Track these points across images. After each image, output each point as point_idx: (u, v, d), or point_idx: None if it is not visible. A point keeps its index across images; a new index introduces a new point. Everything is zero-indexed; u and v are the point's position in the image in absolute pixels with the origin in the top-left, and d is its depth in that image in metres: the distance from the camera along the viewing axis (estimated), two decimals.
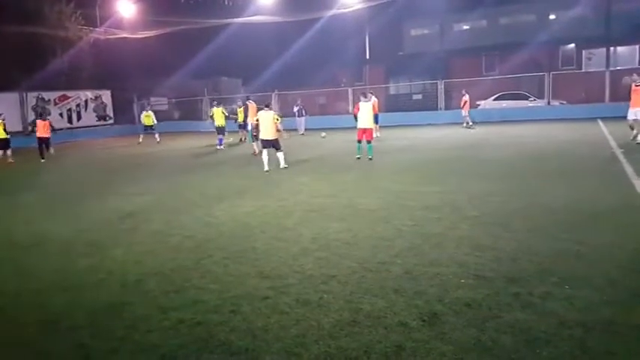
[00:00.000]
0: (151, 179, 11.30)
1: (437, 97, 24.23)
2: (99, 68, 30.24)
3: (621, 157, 10.05)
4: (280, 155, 11.30)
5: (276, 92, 28.24)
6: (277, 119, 11.11)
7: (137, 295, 4.32)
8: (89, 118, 29.23)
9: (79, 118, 28.27)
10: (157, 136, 21.40)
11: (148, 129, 21.37)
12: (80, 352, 3.39)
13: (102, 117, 29.78)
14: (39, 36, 26.76)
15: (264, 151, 11.26)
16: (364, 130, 11.68)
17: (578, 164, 9.80)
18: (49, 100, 27.17)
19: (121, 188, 10.17)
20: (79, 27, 28.95)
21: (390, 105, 28.64)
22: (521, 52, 25.73)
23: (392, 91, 31.97)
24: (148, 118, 21.48)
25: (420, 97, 28.64)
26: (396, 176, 9.61)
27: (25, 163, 16.48)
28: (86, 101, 28.83)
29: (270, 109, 11.50)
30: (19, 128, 25.47)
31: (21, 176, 13.71)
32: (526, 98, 23.77)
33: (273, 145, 11.16)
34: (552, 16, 30.20)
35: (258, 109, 12.46)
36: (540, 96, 23.20)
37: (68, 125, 27.91)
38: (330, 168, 11.23)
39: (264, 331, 3.48)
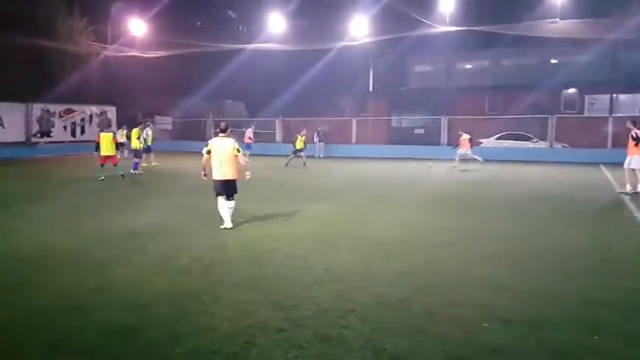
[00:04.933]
0: (152, 199, 11.14)
1: (440, 133, 24.45)
2: (106, 84, 30.35)
3: (629, 204, 10.03)
4: (230, 205, 7.64)
5: (280, 118, 28.40)
6: (238, 151, 7.63)
7: (149, 318, 4.15)
8: (92, 132, 29.15)
9: (82, 131, 28.21)
10: None
11: None
12: None
13: None
14: (49, 49, 26.96)
15: (220, 199, 7.72)
16: (107, 157, 14.22)
17: (587, 208, 9.77)
18: (54, 112, 27.12)
19: (123, 206, 10.01)
20: (90, 43, 29.25)
21: (393, 137, 28.91)
22: (524, 94, 26.08)
23: (394, 124, 32.23)
24: None
25: (422, 131, 28.89)
26: (408, 210, 9.55)
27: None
28: (91, 116, 28.81)
29: (227, 135, 7.71)
30: (22, 138, 25.44)
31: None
32: (528, 139, 23.95)
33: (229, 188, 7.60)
34: (554, 61, 30.90)
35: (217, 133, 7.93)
36: (542, 138, 23.39)
37: (71, 138, 27.83)
38: (327, 196, 11.15)
39: None
